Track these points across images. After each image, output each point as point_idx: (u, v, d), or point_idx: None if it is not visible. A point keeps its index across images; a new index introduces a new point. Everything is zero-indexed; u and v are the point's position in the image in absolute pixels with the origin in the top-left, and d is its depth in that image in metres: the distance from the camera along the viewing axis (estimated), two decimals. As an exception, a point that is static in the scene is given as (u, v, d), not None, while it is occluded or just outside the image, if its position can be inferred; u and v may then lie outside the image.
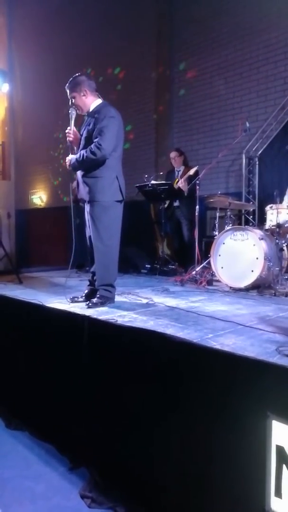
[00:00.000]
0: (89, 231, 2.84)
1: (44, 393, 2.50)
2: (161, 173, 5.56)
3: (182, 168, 5.09)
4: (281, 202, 3.71)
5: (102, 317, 2.32)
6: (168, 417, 1.74)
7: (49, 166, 9.28)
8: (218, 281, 3.84)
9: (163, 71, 6.90)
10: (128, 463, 1.92)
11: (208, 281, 3.91)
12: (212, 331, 2.06)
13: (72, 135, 2.82)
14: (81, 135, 2.82)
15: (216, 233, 4.08)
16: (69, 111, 2.78)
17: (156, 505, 1.77)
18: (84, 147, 2.72)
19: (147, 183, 4.81)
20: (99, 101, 2.80)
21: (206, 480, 1.57)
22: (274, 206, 3.63)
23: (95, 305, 2.68)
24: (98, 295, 2.76)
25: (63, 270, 4.92)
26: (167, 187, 4.78)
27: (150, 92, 7.15)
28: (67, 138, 2.83)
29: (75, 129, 2.82)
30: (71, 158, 2.76)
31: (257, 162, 5.71)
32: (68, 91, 2.75)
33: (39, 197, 9.88)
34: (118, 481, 1.94)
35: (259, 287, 3.47)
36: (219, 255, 3.76)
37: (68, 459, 2.23)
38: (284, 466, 1.35)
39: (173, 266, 4.92)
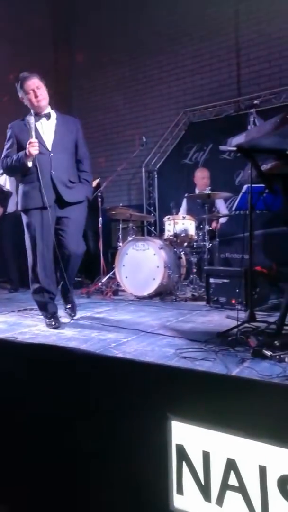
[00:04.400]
0: (51, 237, 2.53)
1: None
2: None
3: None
4: (177, 213, 3.94)
5: (0, 336, 2.20)
6: (74, 429, 1.71)
7: None
8: (123, 290, 3.91)
9: (62, 83, 6.89)
10: (36, 488, 1.83)
11: (114, 291, 3.96)
12: (115, 340, 2.09)
13: (37, 147, 2.43)
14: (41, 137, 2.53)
15: (120, 244, 4.16)
16: (27, 120, 2.45)
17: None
18: (56, 149, 2.53)
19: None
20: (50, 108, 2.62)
21: (115, 485, 1.57)
22: (170, 217, 3.84)
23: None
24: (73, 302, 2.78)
25: None
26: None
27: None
28: (34, 151, 2.40)
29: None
30: (90, 195, 2.73)
31: (156, 176, 6.00)
32: (36, 77, 2.49)
33: None
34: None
35: (161, 294, 3.62)
36: (123, 265, 3.84)
37: None
38: (184, 463, 1.42)
39: (79, 278, 4.87)
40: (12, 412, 1.92)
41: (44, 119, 2.55)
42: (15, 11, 6.19)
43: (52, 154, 2.52)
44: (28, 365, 1.94)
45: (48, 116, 2.56)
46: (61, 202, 2.54)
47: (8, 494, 1.90)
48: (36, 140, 2.43)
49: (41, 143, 2.50)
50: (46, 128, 2.55)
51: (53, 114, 2.60)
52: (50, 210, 2.47)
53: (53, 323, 2.48)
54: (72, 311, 2.73)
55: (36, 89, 2.47)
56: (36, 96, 2.48)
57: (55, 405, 1.78)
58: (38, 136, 2.50)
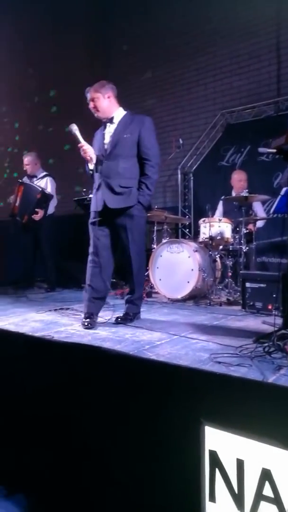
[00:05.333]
0: (103, 240, 2.64)
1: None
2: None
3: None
4: (213, 215, 3.89)
5: (38, 334, 2.26)
6: (104, 430, 1.72)
7: None
8: (157, 293, 3.91)
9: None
10: (67, 484, 1.87)
11: (148, 293, 3.96)
12: (149, 342, 2.10)
13: (89, 151, 2.54)
14: (104, 143, 2.62)
15: (154, 246, 4.17)
16: (71, 128, 2.52)
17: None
18: (111, 154, 2.56)
19: (85, 196, 4.81)
20: (122, 110, 2.67)
21: (145, 489, 1.57)
22: (206, 219, 3.80)
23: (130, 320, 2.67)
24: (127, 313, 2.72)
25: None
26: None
27: (86, 109, 7.21)
28: (86, 155, 2.54)
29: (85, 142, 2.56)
30: (145, 200, 2.60)
31: (191, 178, 5.96)
32: (91, 90, 2.58)
33: None
34: (57, 505, 1.88)
35: (195, 297, 3.59)
36: (157, 268, 3.84)
37: (3, 486, 2.12)
38: (216, 470, 1.40)
39: (114, 280, 4.92)
40: (45, 407, 1.97)
41: (108, 125, 2.64)
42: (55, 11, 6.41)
43: (105, 160, 2.57)
44: (63, 364, 1.98)
45: (111, 121, 2.63)
46: (109, 209, 2.55)
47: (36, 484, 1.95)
48: (84, 144, 2.54)
49: (101, 151, 2.61)
50: (107, 135, 2.63)
51: (117, 118, 2.62)
52: (100, 215, 2.58)
53: (86, 323, 2.52)
54: (122, 319, 2.65)
55: (91, 102, 2.59)
56: (91, 110, 2.62)
57: (88, 404, 1.81)
58: (101, 143, 2.63)
